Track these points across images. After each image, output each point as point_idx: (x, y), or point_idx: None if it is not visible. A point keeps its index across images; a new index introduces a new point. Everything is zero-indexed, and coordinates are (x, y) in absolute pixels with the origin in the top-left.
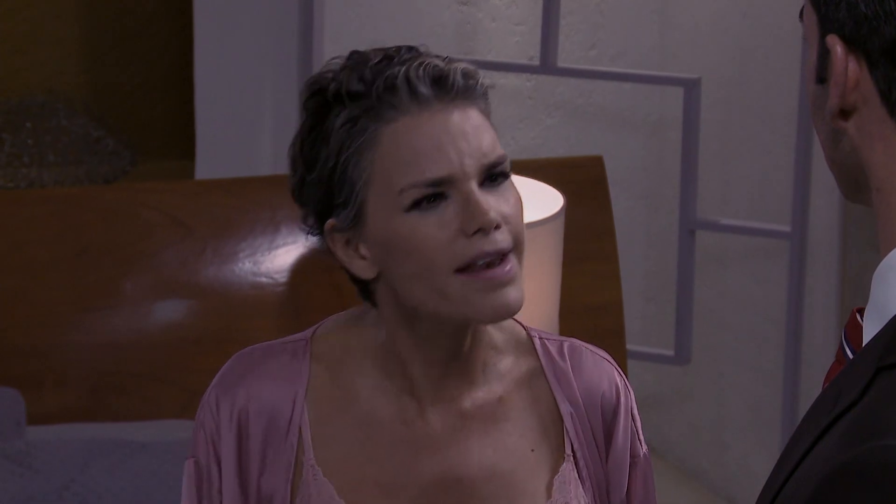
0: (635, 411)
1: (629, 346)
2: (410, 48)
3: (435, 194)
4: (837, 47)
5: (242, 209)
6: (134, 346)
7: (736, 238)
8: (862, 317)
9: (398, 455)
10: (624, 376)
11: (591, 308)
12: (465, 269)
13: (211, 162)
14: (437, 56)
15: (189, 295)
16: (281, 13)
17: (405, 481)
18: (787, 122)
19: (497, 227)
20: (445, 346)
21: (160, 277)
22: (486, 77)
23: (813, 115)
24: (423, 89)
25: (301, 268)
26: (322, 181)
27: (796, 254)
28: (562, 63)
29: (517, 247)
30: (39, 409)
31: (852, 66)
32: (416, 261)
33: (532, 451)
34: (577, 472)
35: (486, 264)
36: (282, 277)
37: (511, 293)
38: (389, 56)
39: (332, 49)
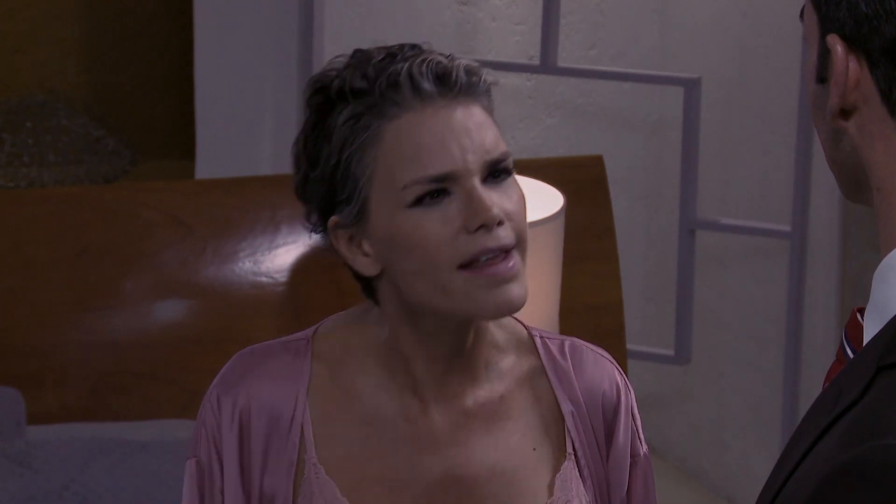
0: (636, 410)
1: (629, 346)
2: (414, 46)
3: (438, 190)
4: (838, 47)
5: (242, 209)
6: (134, 346)
7: (736, 238)
8: (862, 316)
9: (401, 453)
10: (624, 375)
11: (591, 308)
12: (468, 265)
13: (211, 161)
14: (441, 53)
15: (189, 295)
16: (281, 13)
17: (408, 479)
18: (787, 122)
19: (500, 223)
20: (448, 342)
21: (160, 277)
22: (488, 74)
23: (813, 115)
24: (427, 86)
25: (301, 267)
26: (325, 178)
27: (796, 253)
28: (562, 63)
29: (520, 243)
30: (39, 409)
31: (853, 65)
32: (418, 257)
33: (534, 449)
34: (579, 470)
35: (489, 260)
36: (282, 277)
37: (514, 289)
38: (392, 54)
39: (332, 49)
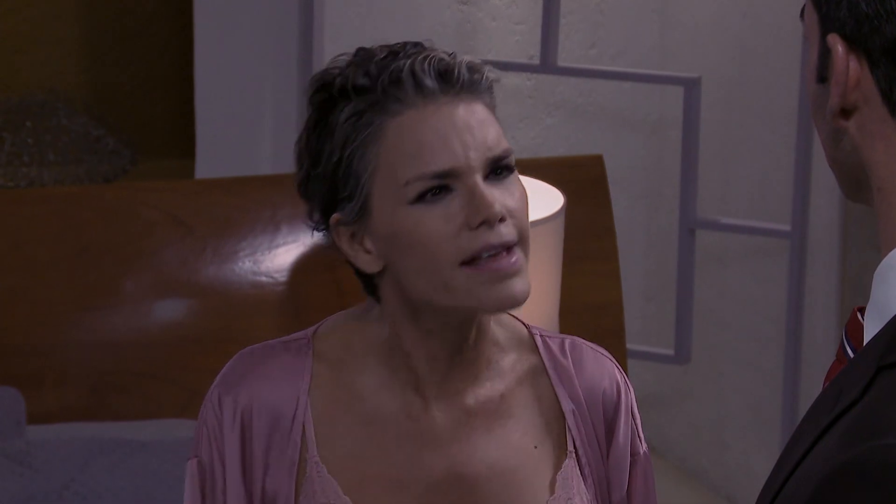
0: (635, 409)
1: (629, 346)
2: (416, 44)
3: (440, 187)
4: (838, 46)
5: (243, 208)
6: (134, 345)
7: (736, 237)
8: (863, 316)
9: (403, 451)
10: (624, 374)
11: (591, 307)
12: (470, 262)
13: (211, 161)
14: (443, 51)
15: (189, 294)
16: (281, 13)
17: (410, 477)
18: (787, 122)
19: (502, 219)
20: (450, 339)
21: (160, 276)
22: (491, 71)
23: (814, 115)
24: (429, 82)
25: (301, 267)
26: (327, 175)
27: (796, 253)
28: (562, 62)
29: (522, 241)
30: (39, 409)
31: (853, 65)
32: (420, 254)
33: (535, 447)
34: (580, 468)
35: (491, 257)
36: (282, 276)
37: (517, 284)
38: (395, 51)
39: (332, 48)
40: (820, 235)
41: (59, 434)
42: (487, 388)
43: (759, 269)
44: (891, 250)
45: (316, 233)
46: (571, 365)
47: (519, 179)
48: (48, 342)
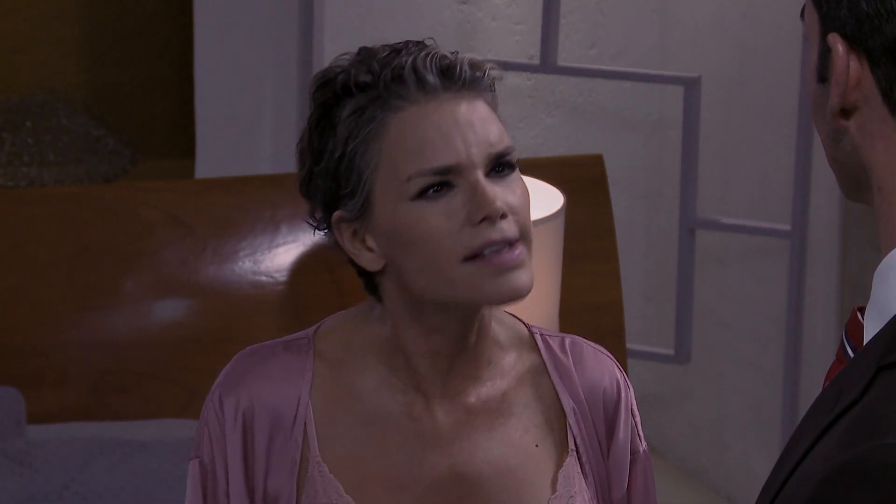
0: (635, 407)
1: (629, 346)
2: (418, 42)
3: (442, 183)
4: (839, 46)
5: (242, 208)
6: (134, 345)
7: (736, 237)
8: (863, 316)
9: (405, 450)
10: (624, 372)
11: (591, 307)
12: (473, 258)
13: (211, 161)
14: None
15: (189, 294)
16: (281, 13)
17: (411, 477)
18: (787, 122)
19: (503, 216)
20: (452, 336)
21: (160, 276)
22: (493, 69)
23: (814, 114)
24: (431, 79)
25: (301, 267)
26: (329, 171)
27: (796, 253)
28: (562, 62)
29: (524, 238)
30: (39, 408)
31: (853, 64)
32: (422, 250)
33: (536, 446)
34: (581, 466)
35: (494, 252)
36: (282, 276)
37: (521, 276)
38: (397, 49)
39: (332, 48)
40: (820, 235)
41: (59, 434)
42: (489, 387)
43: (759, 269)
44: (891, 250)
45: (316, 233)
46: (572, 363)
47: (521, 177)
48: (48, 342)
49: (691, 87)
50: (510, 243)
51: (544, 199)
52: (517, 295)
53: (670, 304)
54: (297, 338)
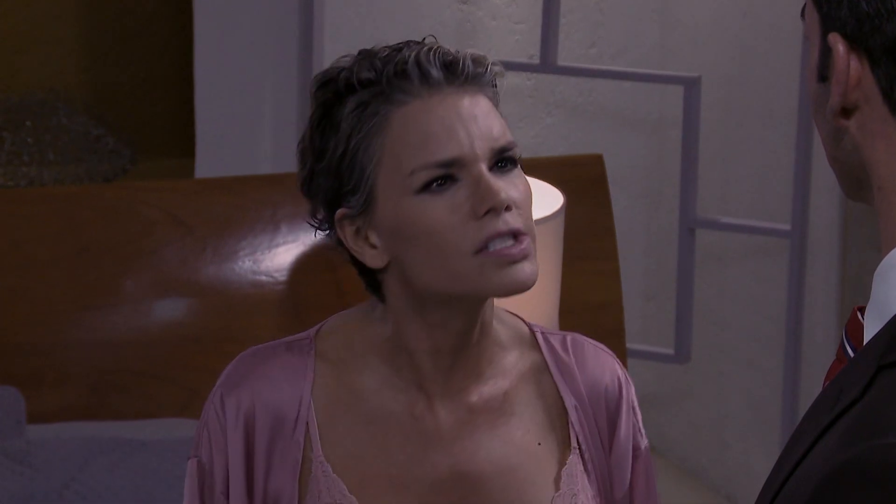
0: (636, 404)
1: (629, 345)
2: (419, 42)
3: (445, 176)
4: (839, 45)
5: (242, 207)
6: (134, 345)
7: (736, 237)
8: (863, 315)
9: (408, 450)
10: (624, 369)
11: (591, 307)
12: (480, 251)
13: (211, 160)
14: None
15: (189, 293)
16: (281, 13)
17: (415, 476)
18: (787, 121)
19: (508, 208)
20: (454, 332)
21: (160, 276)
22: (495, 65)
23: (814, 114)
24: (434, 73)
25: (301, 266)
26: (332, 169)
27: (796, 252)
28: (562, 61)
29: (528, 233)
30: (40, 408)
31: (854, 64)
32: (427, 243)
33: (539, 444)
34: (583, 464)
35: (501, 248)
36: (282, 276)
37: (526, 268)
38: (398, 48)
39: (332, 48)
40: (820, 235)
41: (59, 433)
42: (490, 386)
43: (759, 269)
44: (891, 249)
45: (317, 233)
46: (573, 361)
47: (523, 174)
48: (48, 341)
49: (691, 86)
50: (515, 235)
51: (544, 199)
52: (522, 287)
53: (670, 303)
54: (299, 338)
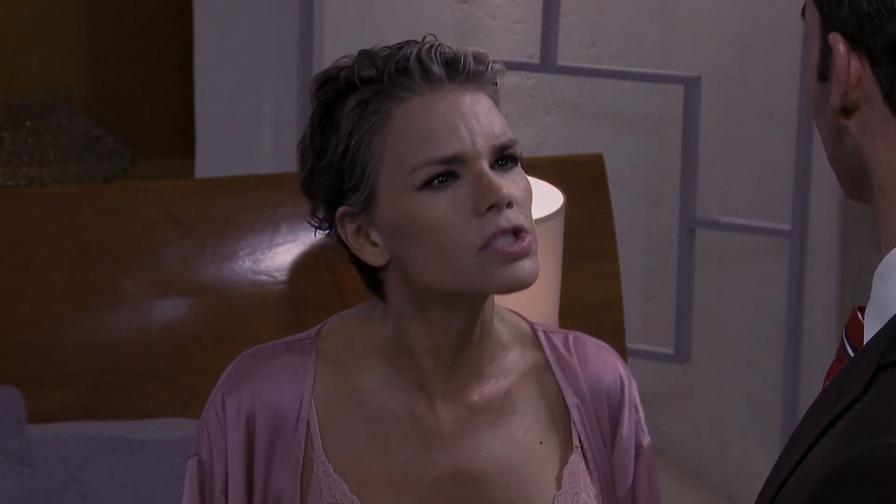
0: (638, 402)
1: (629, 345)
2: (419, 41)
3: (447, 173)
4: (840, 45)
5: (242, 207)
6: (134, 345)
7: (736, 236)
8: (863, 315)
9: (409, 449)
10: (626, 367)
11: (590, 306)
12: (483, 248)
13: (211, 160)
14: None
15: (189, 293)
16: (281, 13)
17: (416, 475)
18: (787, 121)
19: (510, 205)
20: (455, 331)
21: (160, 276)
22: (496, 62)
23: (815, 114)
24: (436, 69)
25: (301, 266)
26: (332, 167)
27: (796, 252)
28: (562, 61)
29: (529, 230)
30: (39, 408)
31: (854, 63)
32: (429, 241)
33: (540, 443)
34: (585, 462)
35: (503, 241)
36: (282, 276)
37: (527, 264)
38: (399, 46)
39: (332, 48)
40: (820, 235)
41: (59, 433)
42: (492, 385)
43: (759, 269)
44: (891, 249)
45: (317, 232)
46: (575, 359)
47: (523, 173)
48: (48, 341)
49: (691, 86)
50: (517, 232)
51: (544, 199)
52: (523, 284)
53: (670, 303)
54: (300, 338)
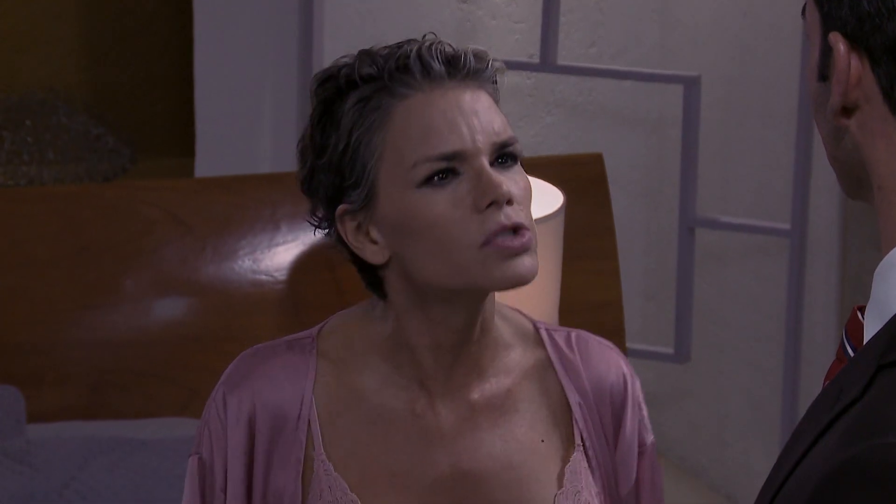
0: (641, 400)
1: (629, 344)
2: (419, 39)
3: (447, 170)
4: (840, 45)
5: (242, 207)
6: (134, 344)
7: (736, 236)
8: (863, 314)
9: (409, 448)
10: (629, 365)
11: (590, 306)
12: (483, 245)
13: (211, 159)
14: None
15: (189, 292)
16: (281, 13)
17: (417, 474)
18: (787, 120)
19: (510, 202)
20: (456, 329)
21: (160, 275)
22: (496, 61)
23: (815, 113)
24: (436, 66)
25: (301, 265)
26: (333, 164)
27: (796, 252)
28: (562, 61)
29: (529, 227)
30: (39, 407)
31: (854, 63)
32: (429, 237)
33: (542, 441)
34: (587, 461)
35: (503, 237)
36: (281, 275)
37: (526, 261)
38: (399, 44)
39: (332, 48)
40: (820, 234)
41: (59, 433)
42: (493, 384)
43: (758, 268)
44: (891, 249)
45: (317, 231)
46: (578, 358)
47: (523, 171)
48: (48, 341)
49: (691, 86)
50: (516, 229)
51: (544, 198)
52: (523, 280)
53: (670, 302)
54: (301, 337)
